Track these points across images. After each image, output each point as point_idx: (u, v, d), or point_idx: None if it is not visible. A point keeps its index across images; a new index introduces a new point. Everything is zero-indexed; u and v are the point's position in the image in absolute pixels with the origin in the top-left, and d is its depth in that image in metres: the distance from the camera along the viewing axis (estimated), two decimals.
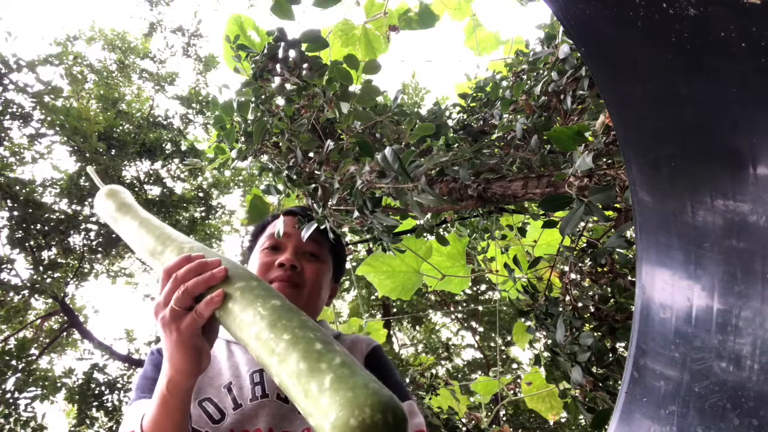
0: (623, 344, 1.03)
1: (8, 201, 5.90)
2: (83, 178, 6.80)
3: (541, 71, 1.24)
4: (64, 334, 7.83)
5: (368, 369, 0.99)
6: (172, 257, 0.74)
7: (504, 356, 9.26)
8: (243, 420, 0.88)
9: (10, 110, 5.89)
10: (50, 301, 7.13)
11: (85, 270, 7.35)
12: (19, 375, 5.92)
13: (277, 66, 1.20)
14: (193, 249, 0.76)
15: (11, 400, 5.74)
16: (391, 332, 9.10)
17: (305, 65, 1.19)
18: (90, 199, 6.96)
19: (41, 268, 6.48)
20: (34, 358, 6.63)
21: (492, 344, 9.21)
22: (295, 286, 1.03)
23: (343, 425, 0.46)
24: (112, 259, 8.32)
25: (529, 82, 1.27)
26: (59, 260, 6.81)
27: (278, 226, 1.08)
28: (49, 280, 6.42)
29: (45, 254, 6.65)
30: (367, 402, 0.47)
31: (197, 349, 0.70)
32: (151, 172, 8.03)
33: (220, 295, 0.66)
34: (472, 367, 9.39)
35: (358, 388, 0.49)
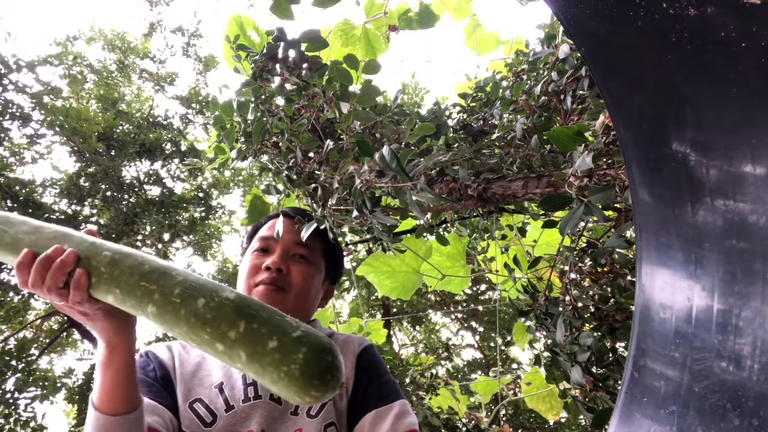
0: (623, 344, 1.03)
1: (8, 201, 5.89)
2: (83, 178, 6.80)
3: (541, 71, 1.24)
4: (64, 334, 7.82)
5: (359, 368, 1.00)
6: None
7: (504, 356, 9.26)
8: (235, 422, 0.87)
9: (9, 110, 5.88)
10: None
11: None
12: (19, 375, 5.92)
13: (277, 66, 1.20)
14: (37, 242, 0.71)
15: (11, 400, 5.73)
16: (391, 332, 9.09)
17: (305, 65, 1.19)
18: (90, 199, 6.96)
19: None
20: (34, 358, 6.62)
21: (492, 344, 9.21)
22: (281, 289, 1.02)
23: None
24: None
25: (529, 82, 1.27)
26: None
27: (278, 226, 1.08)
28: None
29: None
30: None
31: (100, 312, 0.69)
32: (150, 172, 8.03)
33: (83, 275, 0.65)
34: (472, 367, 9.38)
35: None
